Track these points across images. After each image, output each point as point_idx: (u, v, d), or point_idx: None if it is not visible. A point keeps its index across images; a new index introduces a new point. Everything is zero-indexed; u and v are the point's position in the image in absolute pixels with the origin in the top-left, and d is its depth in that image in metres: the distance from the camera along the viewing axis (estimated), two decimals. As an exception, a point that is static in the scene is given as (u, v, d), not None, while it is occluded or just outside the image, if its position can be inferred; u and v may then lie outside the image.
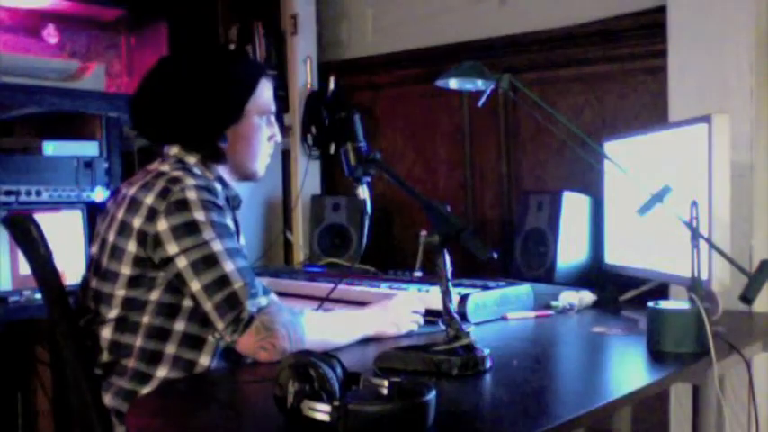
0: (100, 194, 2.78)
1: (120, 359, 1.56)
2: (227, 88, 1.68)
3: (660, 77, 2.38)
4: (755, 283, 1.52)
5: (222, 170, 1.72)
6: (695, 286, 1.58)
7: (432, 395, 1.08)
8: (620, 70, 2.61)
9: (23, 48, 2.94)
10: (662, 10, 2.31)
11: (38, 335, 2.76)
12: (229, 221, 1.59)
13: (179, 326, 1.56)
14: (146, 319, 1.54)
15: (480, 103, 1.90)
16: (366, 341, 1.70)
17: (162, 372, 1.55)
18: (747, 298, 1.52)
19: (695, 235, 1.58)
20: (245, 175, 1.76)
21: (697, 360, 1.52)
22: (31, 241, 1.57)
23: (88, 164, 2.78)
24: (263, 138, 1.74)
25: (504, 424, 1.18)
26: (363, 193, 1.72)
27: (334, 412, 1.04)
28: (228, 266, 1.51)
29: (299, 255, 3.23)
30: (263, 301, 1.51)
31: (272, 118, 1.78)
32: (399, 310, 1.79)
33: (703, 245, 1.61)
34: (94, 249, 1.64)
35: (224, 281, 1.50)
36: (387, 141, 3.25)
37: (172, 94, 1.66)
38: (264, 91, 1.74)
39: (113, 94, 2.95)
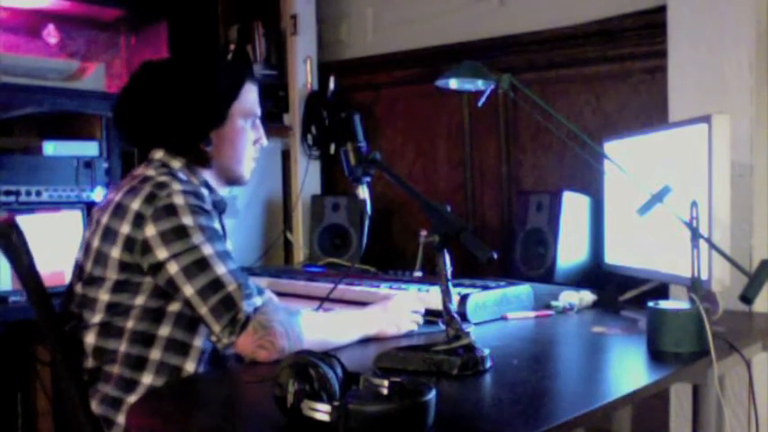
0: (100, 194, 2.77)
1: (105, 365, 1.54)
2: (211, 90, 1.67)
3: (660, 77, 2.38)
4: (755, 283, 1.52)
5: (207, 175, 1.70)
6: (695, 286, 1.58)
7: (432, 395, 1.08)
8: (620, 70, 2.61)
9: (23, 48, 2.94)
10: (662, 10, 2.31)
11: (38, 335, 2.76)
12: (217, 225, 1.58)
13: (164, 331, 1.54)
14: (130, 324, 1.53)
15: (480, 103, 1.90)
16: (366, 341, 1.69)
17: (147, 378, 1.53)
18: (747, 298, 1.52)
19: (695, 235, 1.58)
20: (231, 179, 1.74)
21: (697, 360, 1.52)
22: (12, 248, 1.54)
23: (88, 164, 2.78)
24: (247, 141, 1.73)
25: (504, 424, 1.18)
26: (363, 193, 1.72)
27: (334, 412, 1.04)
28: (221, 269, 1.50)
29: (299, 255, 3.23)
30: (258, 301, 1.51)
31: (258, 121, 1.76)
32: (399, 310, 1.78)
33: (703, 245, 1.61)
34: (80, 254, 1.62)
35: (218, 284, 1.49)
36: (387, 141, 3.25)
37: (155, 96, 1.64)
38: (249, 94, 1.72)
39: (113, 94, 2.93)
